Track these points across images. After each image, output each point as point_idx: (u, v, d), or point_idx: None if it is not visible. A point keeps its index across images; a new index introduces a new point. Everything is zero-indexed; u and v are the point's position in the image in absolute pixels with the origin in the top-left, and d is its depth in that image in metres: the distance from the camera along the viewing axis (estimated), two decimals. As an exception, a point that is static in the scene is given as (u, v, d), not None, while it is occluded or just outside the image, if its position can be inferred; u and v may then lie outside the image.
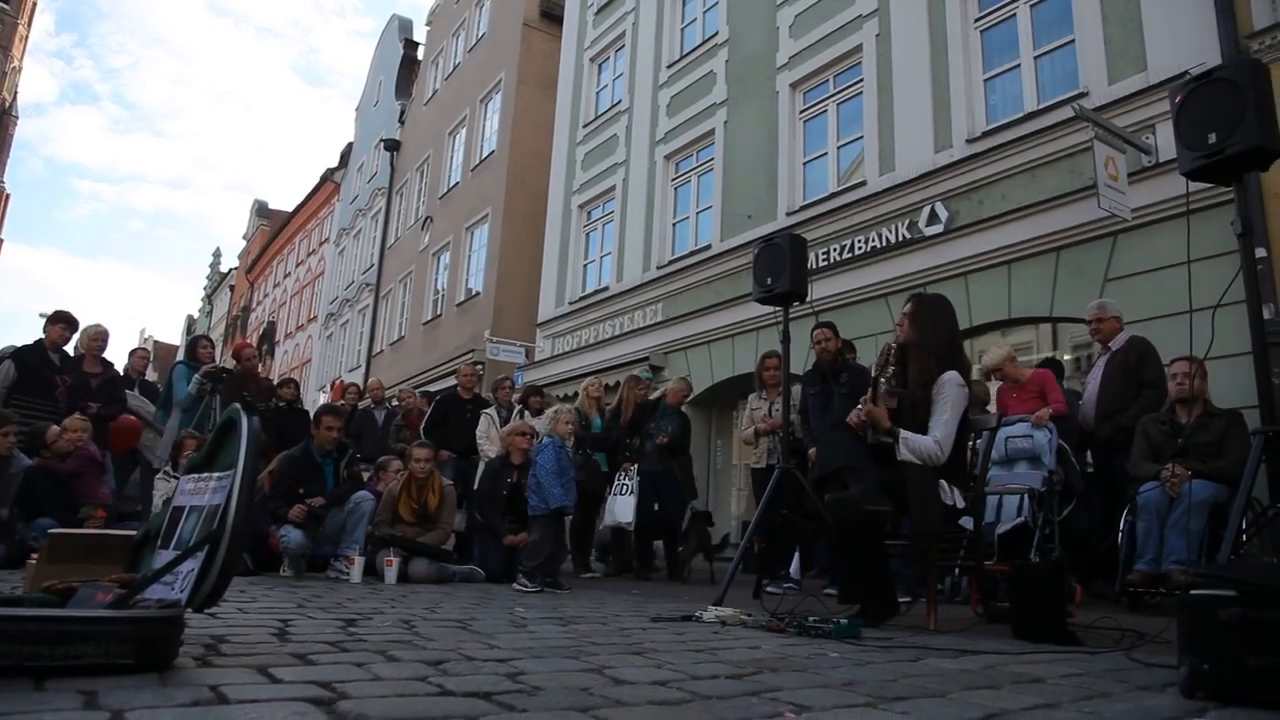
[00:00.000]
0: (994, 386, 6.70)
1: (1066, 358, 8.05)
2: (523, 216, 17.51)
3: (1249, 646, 1.95)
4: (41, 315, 7.51)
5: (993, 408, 6.30)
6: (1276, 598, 1.96)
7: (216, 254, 54.80)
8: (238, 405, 2.45)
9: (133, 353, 9.18)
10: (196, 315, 56.48)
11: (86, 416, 6.83)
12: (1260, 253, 5.95)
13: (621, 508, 7.60)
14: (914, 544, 3.69)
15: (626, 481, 7.64)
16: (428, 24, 25.91)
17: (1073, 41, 8.20)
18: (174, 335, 62.13)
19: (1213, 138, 3.24)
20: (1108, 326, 5.96)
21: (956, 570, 5.29)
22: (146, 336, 57.38)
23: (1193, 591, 2.14)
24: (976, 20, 9.15)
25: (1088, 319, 6.16)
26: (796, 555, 6.62)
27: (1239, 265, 3.32)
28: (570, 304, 15.24)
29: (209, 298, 54.23)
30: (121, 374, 8.13)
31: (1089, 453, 6.10)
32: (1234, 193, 3.39)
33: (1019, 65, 8.68)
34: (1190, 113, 3.37)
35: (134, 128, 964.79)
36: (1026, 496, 5.48)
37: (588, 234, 15.61)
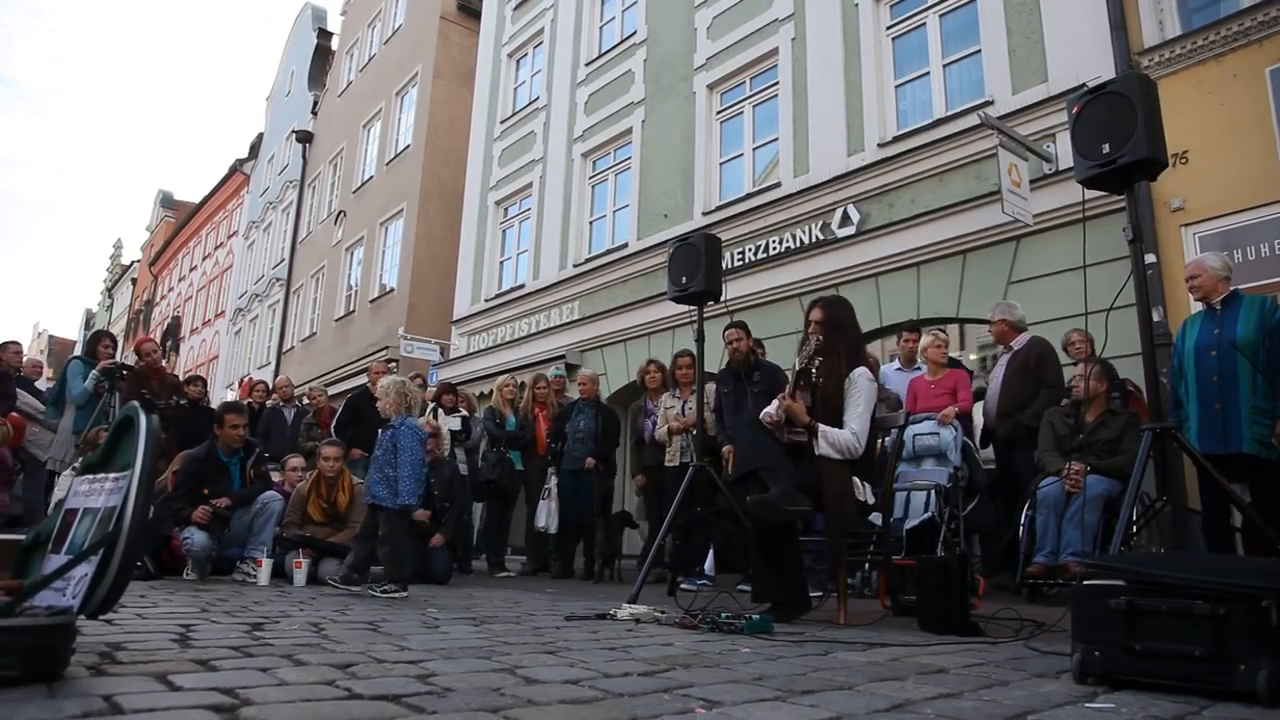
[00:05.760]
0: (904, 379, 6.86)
1: (972, 357, 8.31)
2: (438, 212, 17.28)
3: (1134, 632, 2.05)
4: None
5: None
6: (1159, 586, 2.06)
7: (117, 245, 52.56)
8: (135, 403, 2.35)
9: (4, 346, 7.88)
10: (96, 309, 54.03)
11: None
12: (1150, 258, 6.23)
13: (541, 512, 7.74)
14: (828, 540, 3.77)
15: (549, 486, 7.72)
16: (342, 14, 25.34)
17: (979, 52, 8.47)
18: (72, 330, 59.43)
19: (1106, 148, 3.39)
20: (997, 330, 6.19)
21: (866, 565, 5.41)
22: (41, 331, 54.81)
23: (1085, 582, 2.24)
24: (888, 28, 9.36)
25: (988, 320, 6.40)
26: (711, 552, 6.68)
27: (1130, 270, 3.49)
28: (486, 301, 15.09)
29: (109, 291, 51.95)
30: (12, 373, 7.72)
31: (990, 449, 6.31)
32: (1126, 201, 3.56)
33: (929, 73, 8.92)
34: (1086, 123, 3.52)
35: (12, 107, 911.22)
36: (933, 492, 5.64)
37: (504, 231, 15.48)
